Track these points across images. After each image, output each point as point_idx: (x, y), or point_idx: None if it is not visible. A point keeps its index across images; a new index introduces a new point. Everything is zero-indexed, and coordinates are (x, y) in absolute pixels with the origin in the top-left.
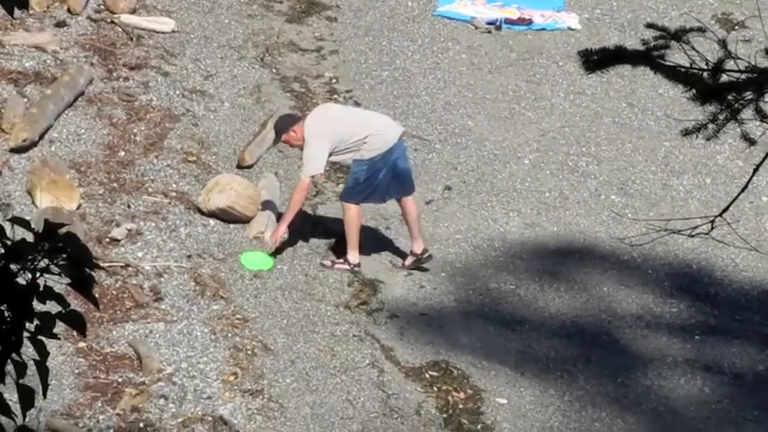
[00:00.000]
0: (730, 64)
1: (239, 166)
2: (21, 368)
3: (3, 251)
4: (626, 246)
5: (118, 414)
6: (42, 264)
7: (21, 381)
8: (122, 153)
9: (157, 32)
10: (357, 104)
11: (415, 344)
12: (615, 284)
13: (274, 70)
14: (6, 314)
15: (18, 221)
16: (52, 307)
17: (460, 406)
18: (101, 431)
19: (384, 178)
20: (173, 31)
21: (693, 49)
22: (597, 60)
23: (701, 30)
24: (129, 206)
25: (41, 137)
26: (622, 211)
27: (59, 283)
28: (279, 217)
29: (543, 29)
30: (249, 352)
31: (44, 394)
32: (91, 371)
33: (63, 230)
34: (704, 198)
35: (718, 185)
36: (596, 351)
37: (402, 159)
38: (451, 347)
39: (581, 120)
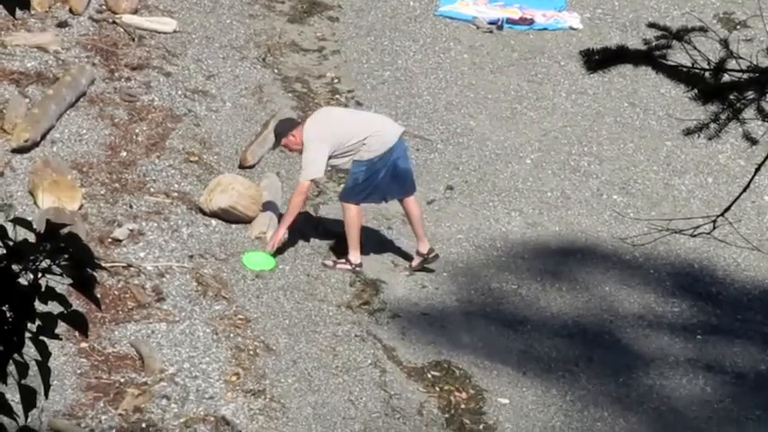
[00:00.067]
0: (732, 63)
1: (241, 167)
2: (22, 368)
3: (5, 251)
4: (628, 245)
5: (120, 414)
6: (44, 264)
7: (23, 381)
8: (124, 153)
9: (159, 33)
10: (359, 104)
11: (416, 344)
12: (617, 284)
13: (276, 70)
14: (8, 314)
15: (20, 222)
16: (54, 307)
17: (462, 406)
18: (103, 431)
19: (384, 178)
20: (174, 32)
21: (695, 48)
22: (599, 60)
23: (703, 29)
24: (130, 206)
25: (43, 137)
26: (624, 210)
27: (61, 284)
28: (280, 217)
29: (545, 28)
30: (251, 352)
31: (46, 394)
32: (93, 371)
33: (65, 231)
34: (706, 198)
35: (720, 185)
36: (598, 351)
37: (402, 159)
38: (453, 347)
39: (583, 119)
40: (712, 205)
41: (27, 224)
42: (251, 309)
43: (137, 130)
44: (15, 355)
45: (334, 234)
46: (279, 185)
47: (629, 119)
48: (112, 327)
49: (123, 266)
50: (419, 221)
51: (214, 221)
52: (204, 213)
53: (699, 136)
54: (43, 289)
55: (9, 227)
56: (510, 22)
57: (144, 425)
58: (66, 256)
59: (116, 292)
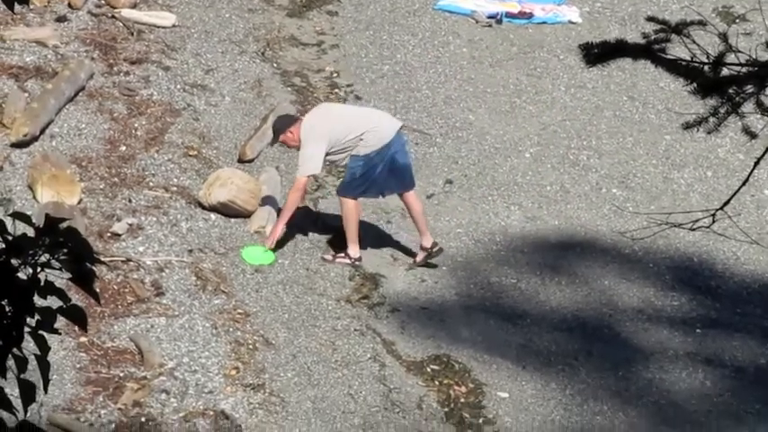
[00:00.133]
0: (731, 57)
1: (240, 161)
2: (22, 363)
3: (4, 246)
4: (627, 239)
5: (119, 409)
6: (43, 259)
7: (22, 376)
8: (123, 148)
9: (158, 27)
10: (358, 98)
11: (416, 338)
12: (616, 278)
13: (275, 64)
14: (7, 309)
15: (19, 216)
16: (53, 302)
17: (462, 400)
18: (102, 426)
19: (381, 173)
20: (173, 26)
21: (694, 42)
22: (598, 54)
23: (702, 23)
24: (130, 201)
25: (42, 132)
26: (623, 204)
27: (60, 278)
28: (279, 212)
29: (544, 22)
30: (250, 346)
31: (45, 389)
32: (92, 365)
33: (64, 225)
34: (705, 191)
35: (720, 179)
36: (597, 344)
37: (401, 154)
38: (453, 341)
39: (582, 113)
40: (711, 199)
41: (26, 218)
42: (250, 303)
43: (136, 125)
44: (14, 350)
45: (333, 228)
46: (278, 180)
47: (628, 113)
48: (112, 321)
49: (122, 261)
50: (421, 216)
51: (213, 216)
52: (203, 207)
53: (698, 130)
54: (42, 283)
55: (8, 221)
56: (509, 15)
57: (143, 419)
58: (65, 250)
59: (115, 287)
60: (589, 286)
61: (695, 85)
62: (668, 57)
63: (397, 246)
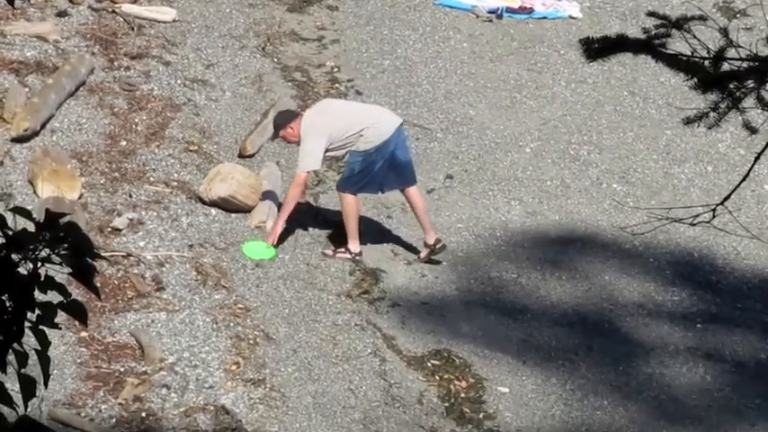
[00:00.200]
0: (732, 52)
1: (241, 156)
2: (22, 358)
3: (4, 241)
4: (627, 234)
5: (120, 404)
6: (43, 253)
7: (22, 370)
8: (124, 142)
9: (158, 22)
10: (358, 93)
11: (416, 333)
12: (617, 273)
13: (276, 59)
14: (8, 304)
15: (19, 211)
16: (53, 297)
17: (462, 395)
18: (103, 420)
19: (381, 169)
20: (174, 21)
21: (695, 37)
22: (598, 49)
23: (703, 18)
24: (130, 196)
25: (43, 126)
26: (624, 199)
27: (61, 273)
28: (280, 207)
29: (544, 17)
30: (251, 341)
31: (45, 384)
32: (93, 360)
33: (64, 220)
34: (706, 186)
35: (720, 174)
36: (598, 339)
37: (401, 150)
38: (453, 336)
39: (582, 108)
40: (712, 194)
41: (26, 213)
42: (251, 298)
43: (136, 120)
44: (15, 345)
45: (333, 223)
46: (278, 174)
47: (628, 108)
48: (112, 316)
49: (123, 256)
50: (423, 212)
51: (214, 211)
52: (204, 203)
53: (698, 125)
54: (43, 278)
55: (8, 216)
56: (509, 10)
57: (144, 414)
58: (65, 245)
59: (116, 282)
60: (589, 281)
61: (696, 80)
62: (669, 52)
63: (397, 241)
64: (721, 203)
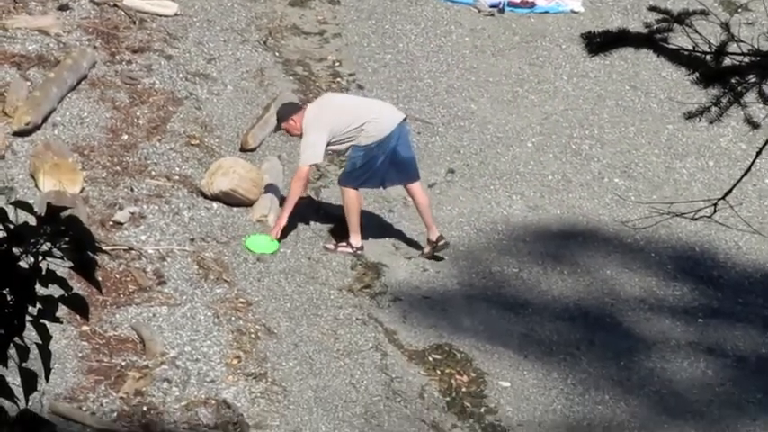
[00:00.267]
0: (733, 47)
1: (242, 150)
2: (23, 352)
3: (5, 235)
4: (629, 229)
5: (121, 397)
6: (45, 247)
7: (23, 364)
8: (125, 136)
9: (160, 16)
10: (360, 88)
11: (418, 327)
12: (618, 267)
13: (277, 53)
14: (9, 298)
15: (21, 205)
16: (55, 290)
17: (463, 389)
18: (104, 414)
19: (382, 165)
20: (175, 15)
21: (696, 32)
22: (600, 43)
23: (704, 13)
24: (132, 189)
25: (44, 120)
26: (625, 194)
27: (62, 267)
28: (282, 200)
29: (546, 12)
30: (252, 335)
31: (46, 378)
32: (94, 354)
33: (65, 214)
34: (707, 181)
35: (722, 168)
36: (599, 334)
37: (403, 147)
38: (454, 331)
39: (584, 103)
40: (713, 189)
41: (28, 207)
42: (252, 292)
43: (138, 114)
44: (16, 339)
45: (335, 218)
46: (280, 169)
47: (630, 102)
48: (113, 310)
49: (124, 250)
50: (426, 209)
51: (215, 205)
52: (205, 197)
53: (700, 119)
54: (44, 272)
55: (10, 210)
56: (511, 5)
57: (145, 408)
58: (66, 239)
59: (117, 276)
60: (591, 276)
61: (697, 74)
62: (670, 46)
63: (398, 235)
64: (723, 198)
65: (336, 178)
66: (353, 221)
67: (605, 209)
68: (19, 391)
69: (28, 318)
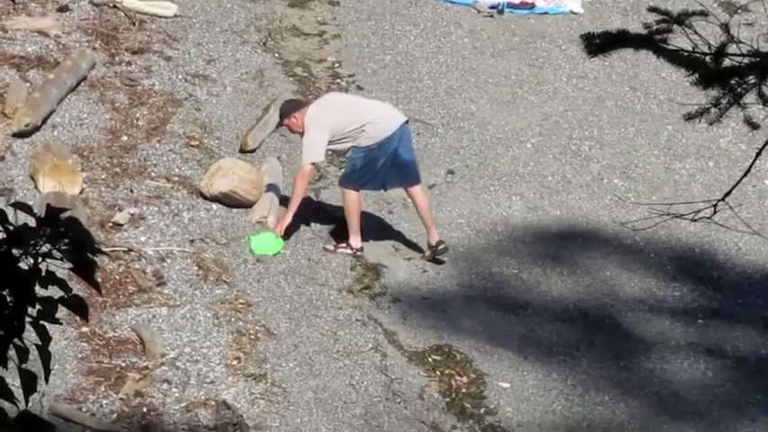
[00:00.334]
0: (733, 48)
1: (242, 151)
2: (23, 353)
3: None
4: (629, 230)
5: (121, 398)
6: (44, 249)
7: (23, 366)
8: (125, 138)
9: (160, 17)
10: (360, 89)
11: (417, 328)
12: (618, 268)
13: (277, 54)
14: (8, 299)
15: (20, 206)
16: (54, 292)
17: (463, 390)
18: (104, 415)
19: (383, 166)
20: (175, 16)
21: (696, 32)
22: (600, 44)
23: (704, 13)
24: (131, 191)
25: (44, 121)
26: (625, 194)
27: (62, 268)
28: (282, 201)
29: (545, 13)
30: (252, 336)
31: (46, 379)
32: (94, 355)
33: (65, 215)
34: (707, 182)
35: (721, 169)
36: (599, 335)
37: (405, 149)
38: (454, 332)
39: (584, 104)
40: (713, 189)
41: (27, 208)
42: (252, 293)
43: (137, 115)
44: (16, 340)
45: (335, 219)
46: (280, 170)
47: (629, 103)
48: (113, 311)
49: (124, 251)
50: (427, 212)
51: (215, 206)
52: (205, 198)
53: (700, 120)
54: (43, 273)
55: (9, 211)
56: (510, 6)
57: (145, 409)
58: (66, 240)
59: (117, 277)
60: (590, 277)
61: (697, 75)
62: (670, 47)
63: (398, 236)
64: (722, 199)
65: (336, 179)
66: (354, 223)
67: (605, 210)
68: (19, 393)
69: (27, 319)
